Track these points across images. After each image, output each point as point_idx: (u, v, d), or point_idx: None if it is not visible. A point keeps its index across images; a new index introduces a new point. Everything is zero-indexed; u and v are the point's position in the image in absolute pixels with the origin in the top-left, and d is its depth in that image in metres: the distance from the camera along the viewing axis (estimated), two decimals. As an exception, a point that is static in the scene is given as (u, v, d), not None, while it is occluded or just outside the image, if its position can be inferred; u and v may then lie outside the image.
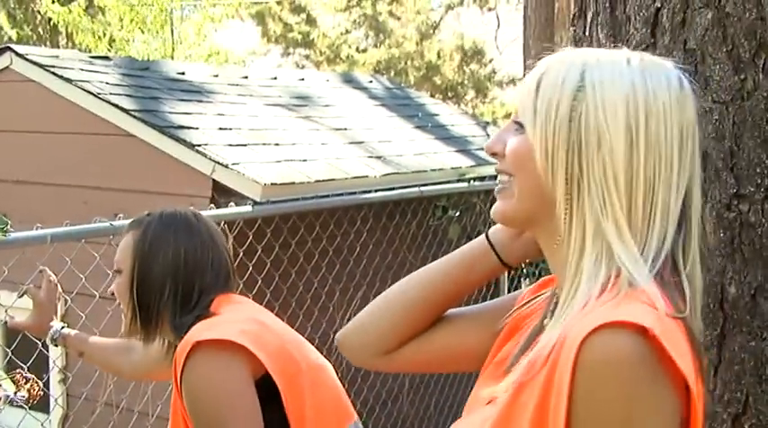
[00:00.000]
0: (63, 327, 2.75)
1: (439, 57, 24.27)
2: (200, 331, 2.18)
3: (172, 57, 19.20)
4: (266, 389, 2.17)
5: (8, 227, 1.49)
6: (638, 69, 1.33)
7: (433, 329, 1.64)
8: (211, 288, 2.35)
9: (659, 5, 2.12)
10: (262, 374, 2.18)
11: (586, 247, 1.30)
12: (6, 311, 3.29)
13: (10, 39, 20.76)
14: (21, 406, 2.01)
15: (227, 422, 2.10)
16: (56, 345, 2.74)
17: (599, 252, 1.28)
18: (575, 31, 2.41)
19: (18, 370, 1.75)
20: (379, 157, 6.24)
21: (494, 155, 1.44)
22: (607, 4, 2.25)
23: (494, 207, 1.45)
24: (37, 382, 1.82)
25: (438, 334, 1.64)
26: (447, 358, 1.65)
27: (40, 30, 21.34)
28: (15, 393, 1.77)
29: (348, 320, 1.69)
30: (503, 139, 1.42)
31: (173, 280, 2.33)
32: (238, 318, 2.27)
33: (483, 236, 1.61)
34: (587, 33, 2.32)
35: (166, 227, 2.39)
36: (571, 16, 2.51)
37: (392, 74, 22.24)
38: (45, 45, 20.02)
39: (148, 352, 2.63)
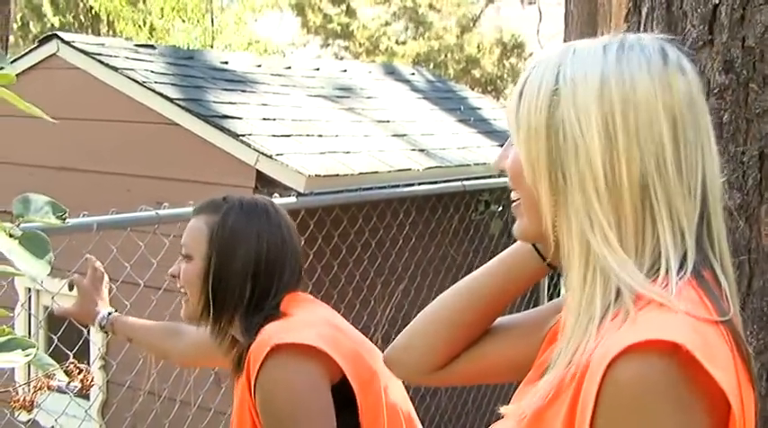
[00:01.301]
0: (110, 313, 2.72)
1: (479, 50, 24.23)
2: (277, 333, 2.08)
3: (211, 47, 19.29)
4: (341, 395, 2.09)
5: (66, 214, 1.48)
6: (613, 56, 1.23)
7: (483, 340, 1.59)
8: (287, 286, 2.23)
9: (717, 2, 2.09)
10: (338, 379, 2.10)
11: (574, 266, 1.23)
12: (53, 298, 3.32)
13: (52, 26, 20.96)
14: (64, 392, 2.01)
15: (300, 427, 2.03)
16: (105, 332, 2.72)
17: (591, 270, 1.21)
18: (628, 27, 2.39)
19: (72, 361, 1.74)
20: (422, 151, 6.22)
21: (502, 172, 1.38)
22: (663, 0, 2.22)
23: (514, 225, 1.39)
24: (90, 372, 1.81)
25: (489, 345, 1.59)
26: (500, 368, 1.60)
27: (81, 17, 21.51)
28: (68, 384, 1.77)
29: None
30: (506, 154, 1.36)
31: (253, 278, 2.19)
32: (313, 321, 2.18)
33: None
34: (642, 29, 2.29)
35: (248, 216, 2.23)
36: (625, 12, 2.48)
37: (431, 66, 22.24)
38: (86, 33, 20.18)
39: (196, 339, 2.58)
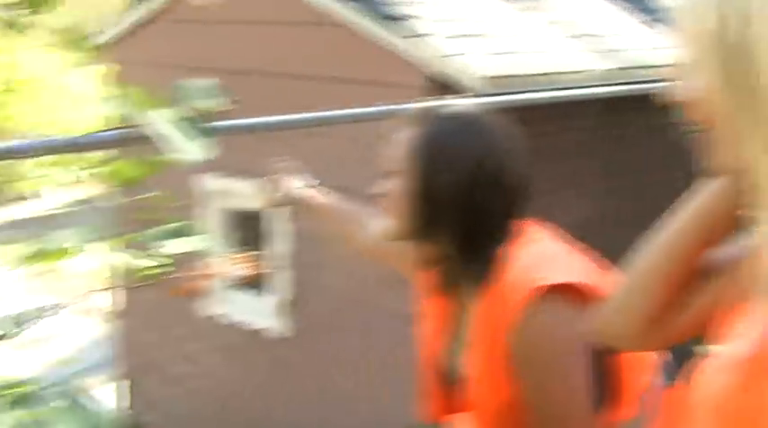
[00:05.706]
0: (299, 188, 2.64)
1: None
2: (538, 269, 1.86)
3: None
4: None
5: (225, 98, 1.49)
6: None
7: (693, 286, 1.39)
8: (509, 208, 1.96)
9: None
10: None
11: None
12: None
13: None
14: (250, 287, 2.03)
15: (570, 376, 1.86)
16: (293, 204, 2.66)
17: None
18: None
19: (245, 248, 1.77)
20: (604, 51, 6.03)
21: (675, 104, 1.18)
22: None
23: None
24: (255, 262, 1.84)
25: (700, 289, 1.39)
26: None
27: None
28: (239, 271, 1.80)
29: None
30: (683, 82, 1.15)
31: (467, 195, 1.92)
32: (565, 250, 1.95)
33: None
34: None
35: (458, 130, 1.95)
36: None
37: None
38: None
39: (377, 234, 2.44)
